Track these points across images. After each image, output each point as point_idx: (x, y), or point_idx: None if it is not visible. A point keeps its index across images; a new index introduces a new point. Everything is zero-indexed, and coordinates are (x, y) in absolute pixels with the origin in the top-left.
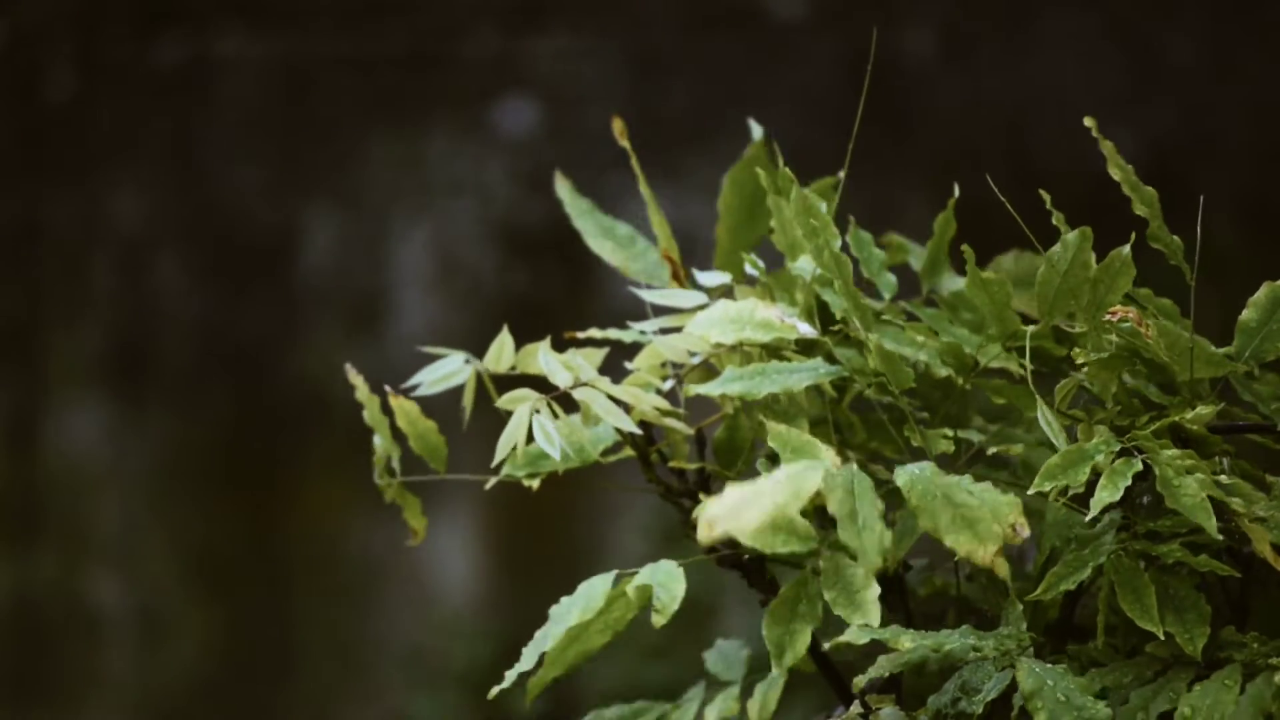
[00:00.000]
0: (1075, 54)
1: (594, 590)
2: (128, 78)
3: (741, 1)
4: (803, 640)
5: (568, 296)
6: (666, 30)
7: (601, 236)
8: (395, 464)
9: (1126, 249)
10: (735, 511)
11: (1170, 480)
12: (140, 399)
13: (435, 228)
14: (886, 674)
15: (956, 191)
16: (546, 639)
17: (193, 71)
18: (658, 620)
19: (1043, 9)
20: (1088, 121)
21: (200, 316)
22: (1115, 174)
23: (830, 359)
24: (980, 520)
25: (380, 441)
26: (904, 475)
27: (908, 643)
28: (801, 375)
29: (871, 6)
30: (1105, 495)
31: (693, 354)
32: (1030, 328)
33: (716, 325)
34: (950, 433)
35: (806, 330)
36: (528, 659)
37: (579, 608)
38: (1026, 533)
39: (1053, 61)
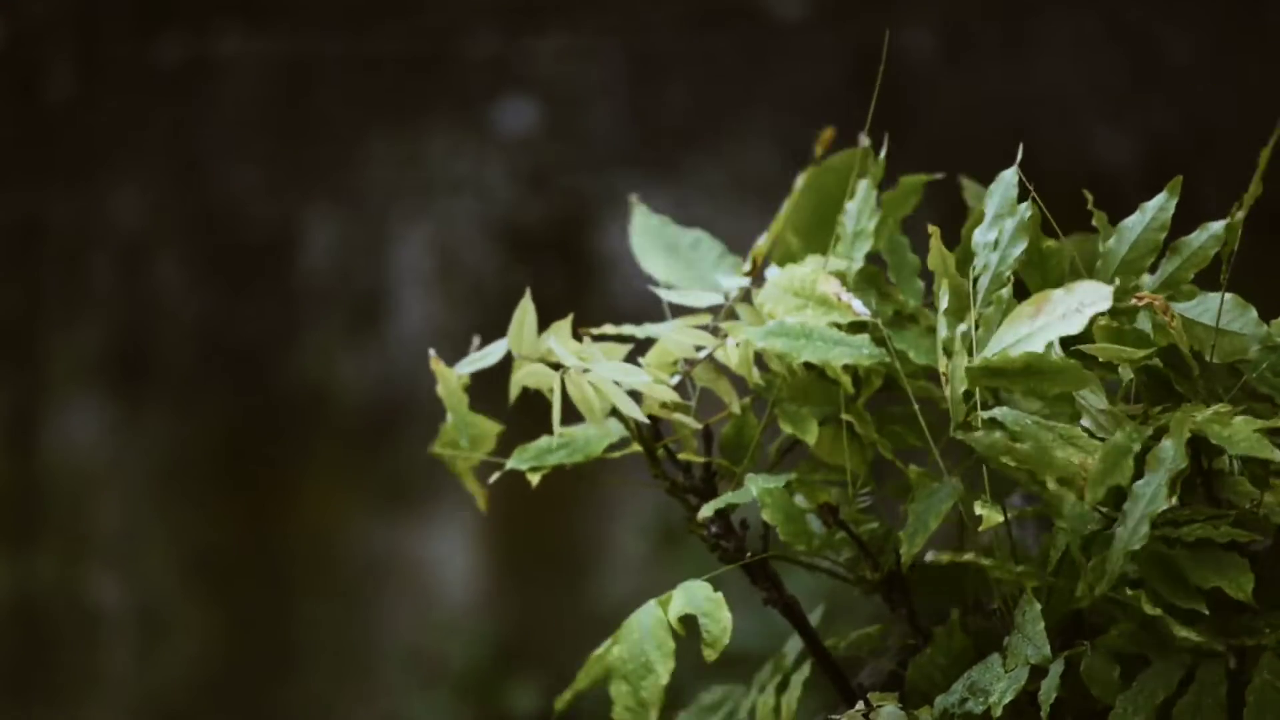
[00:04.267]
0: (1075, 54)
1: (652, 630)
2: (128, 78)
3: (741, 1)
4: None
5: (568, 296)
6: (666, 30)
7: (660, 255)
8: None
9: (1220, 224)
10: None
11: (1220, 433)
12: (140, 399)
13: (435, 227)
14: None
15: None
16: (647, 690)
17: (193, 71)
18: (710, 655)
19: (1043, 9)
20: None
21: (200, 316)
22: (1262, 157)
23: (879, 343)
24: (1077, 439)
25: (453, 419)
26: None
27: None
28: (842, 350)
29: (872, 6)
30: (1162, 489)
31: (701, 348)
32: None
33: (781, 298)
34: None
35: (861, 309)
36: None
37: (656, 655)
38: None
39: (1053, 61)
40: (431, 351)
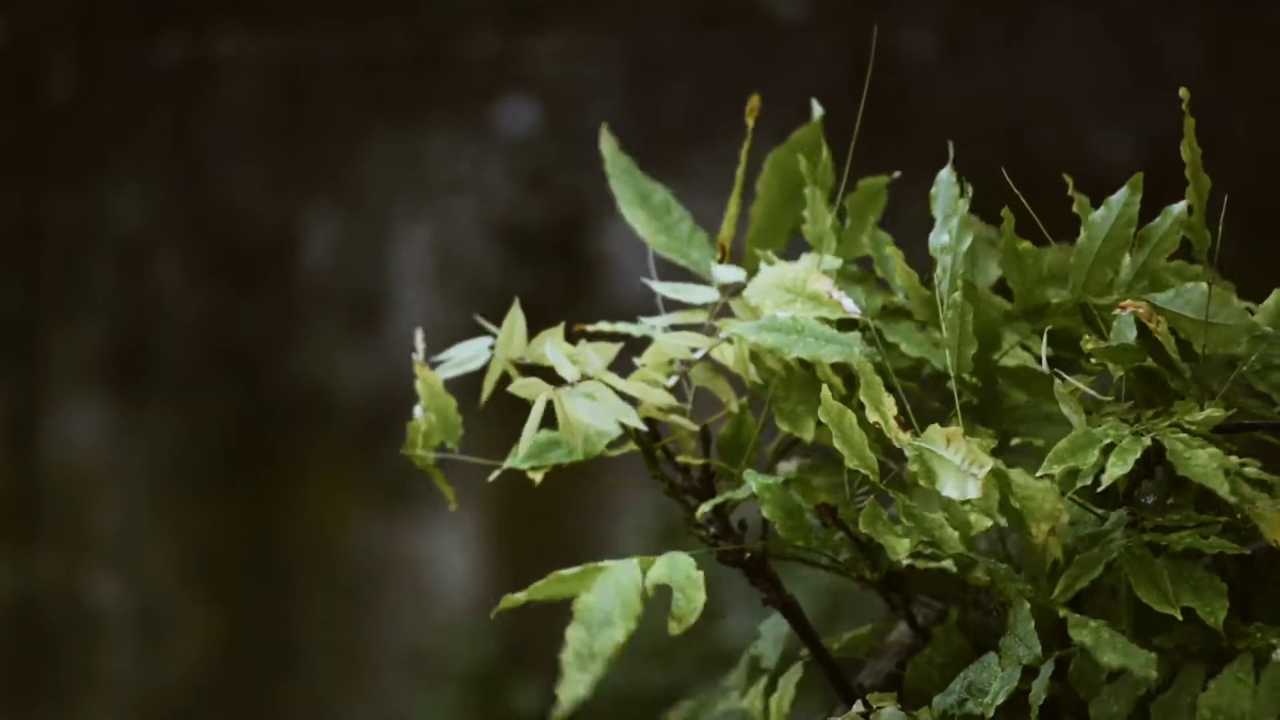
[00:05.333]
0: (1075, 54)
1: (625, 588)
2: (128, 78)
3: (741, 1)
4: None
5: (568, 296)
6: (666, 30)
7: (636, 204)
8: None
9: (1181, 206)
10: None
11: (1181, 453)
12: (140, 399)
13: (435, 227)
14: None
15: (969, 193)
16: (600, 642)
17: (193, 71)
18: (674, 629)
19: (1043, 9)
20: (1183, 93)
21: (200, 316)
22: (1186, 154)
23: (870, 342)
24: (1032, 499)
25: (420, 411)
26: None
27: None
28: (833, 348)
29: (871, 6)
30: (1115, 469)
31: (696, 349)
32: (1058, 300)
33: (773, 293)
34: (991, 431)
35: (851, 307)
36: (581, 682)
37: (618, 611)
38: (1065, 518)
39: (1053, 61)
40: (415, 355)
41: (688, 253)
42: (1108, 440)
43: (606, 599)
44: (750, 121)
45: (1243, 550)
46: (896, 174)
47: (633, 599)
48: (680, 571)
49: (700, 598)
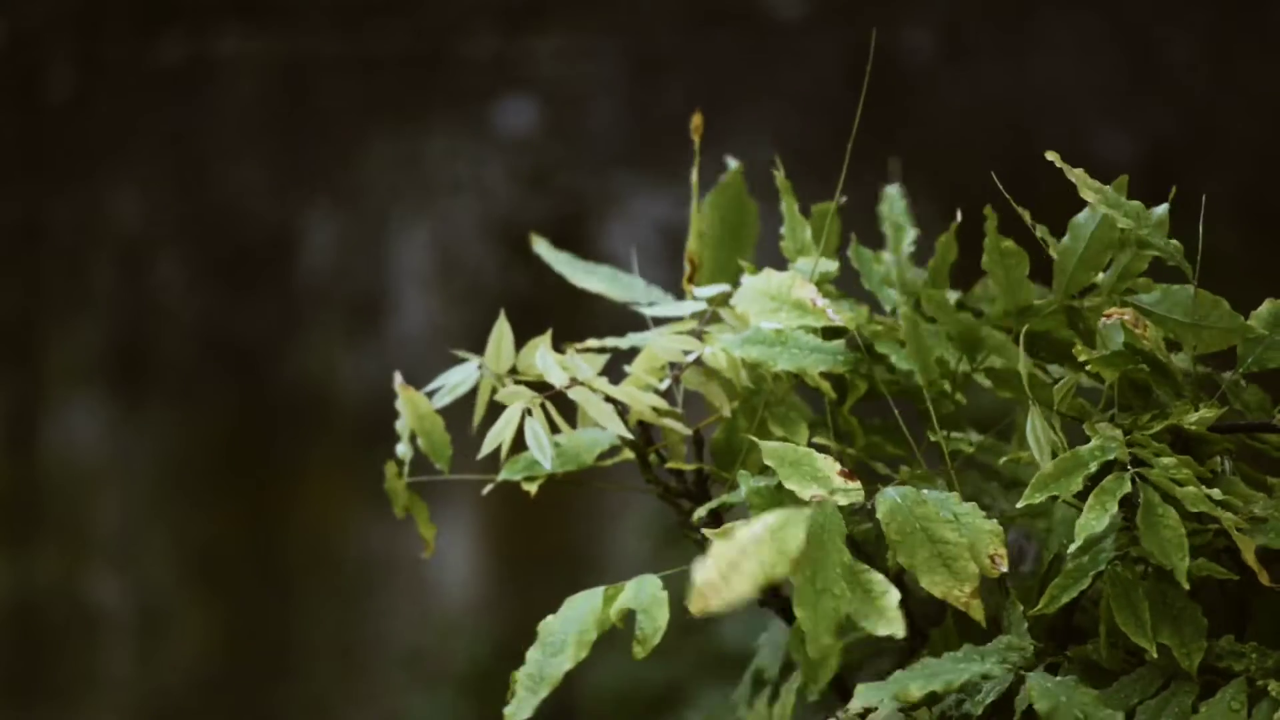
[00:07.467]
0: (1075, 54)
1: (584, 617)
2: (128, 78)
3: (741, 1)
4: (832, 664)
5: (568, 296)
6: (666, 29)
7: (585, 276)
8: (405, 469)
9: (1162, 209)
10: (725, 581)
11: (1154, 509)
12: (140, 398)
13: (435, 227)
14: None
15: (959, 217)
16: (550, 668)
17: (193, 71)
18: (638, 652)
19: (1043, 9)
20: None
21: (200, 316)
22: (1090, 197)
23: (854, 348)
24: (958, 559)
25: (404, 448)
26: (885, 504)
27: (915, 691)
28: (819, 357)
29: (872, 6)
30: (1092, 521)
31: (688, 352)
32: (1042, 301)
33: (757, 300)
34: (969, 437)
35: (835, 316)
36: (528, 703)
37: (573, 639)
38: (1005, 566)
39: (1053, 61)
40: (397, 376)
41: (646, 296)
42: (1094, 463)
43: (566, 626)
44: (696, 139)
45: (1231, 575)
46: (843, 199)
47: (588, 628)
48: (646, 594)
49: (664, 617)
